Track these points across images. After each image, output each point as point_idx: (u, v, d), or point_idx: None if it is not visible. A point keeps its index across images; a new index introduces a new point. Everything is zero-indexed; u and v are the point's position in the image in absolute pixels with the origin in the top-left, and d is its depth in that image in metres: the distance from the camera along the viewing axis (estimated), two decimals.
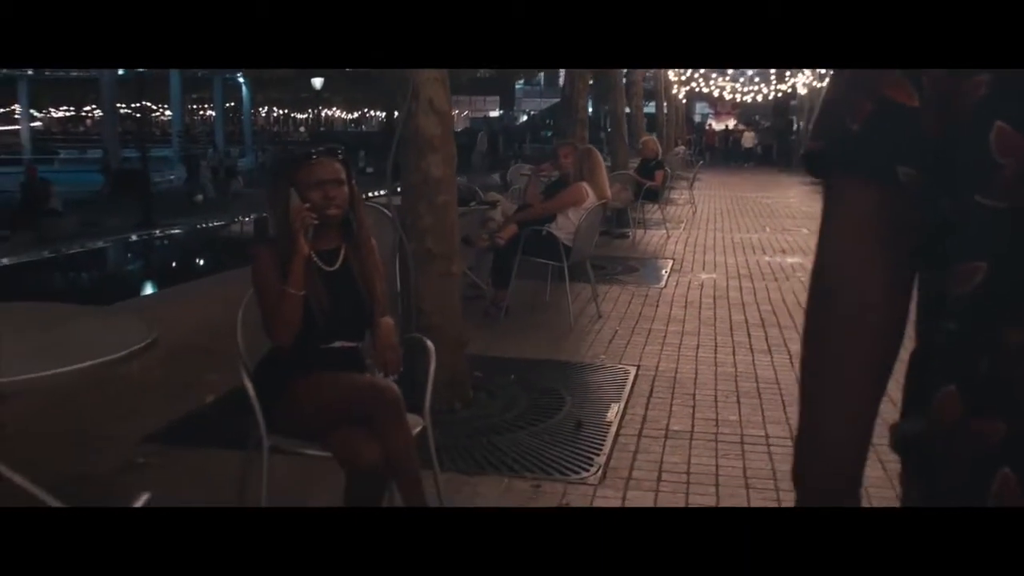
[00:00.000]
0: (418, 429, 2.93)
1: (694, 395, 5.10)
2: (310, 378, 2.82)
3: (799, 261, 10.40)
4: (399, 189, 4.74)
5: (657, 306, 7.61)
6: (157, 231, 19.36)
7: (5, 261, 14.62)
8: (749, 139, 39.29)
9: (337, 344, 2.94)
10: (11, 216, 18.64)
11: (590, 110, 14.80)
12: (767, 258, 10.62)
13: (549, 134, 54.27)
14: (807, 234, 13.11)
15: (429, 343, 3.19)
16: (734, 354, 6.07)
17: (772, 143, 38.38)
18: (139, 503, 1.90)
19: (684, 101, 35.81)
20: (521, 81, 53.69)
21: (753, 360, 5.93)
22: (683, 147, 27.53)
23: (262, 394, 2.83)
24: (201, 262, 17.53)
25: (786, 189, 23.75)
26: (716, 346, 6.27)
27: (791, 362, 5.87)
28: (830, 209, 1.09)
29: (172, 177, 31.10)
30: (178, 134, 37.22)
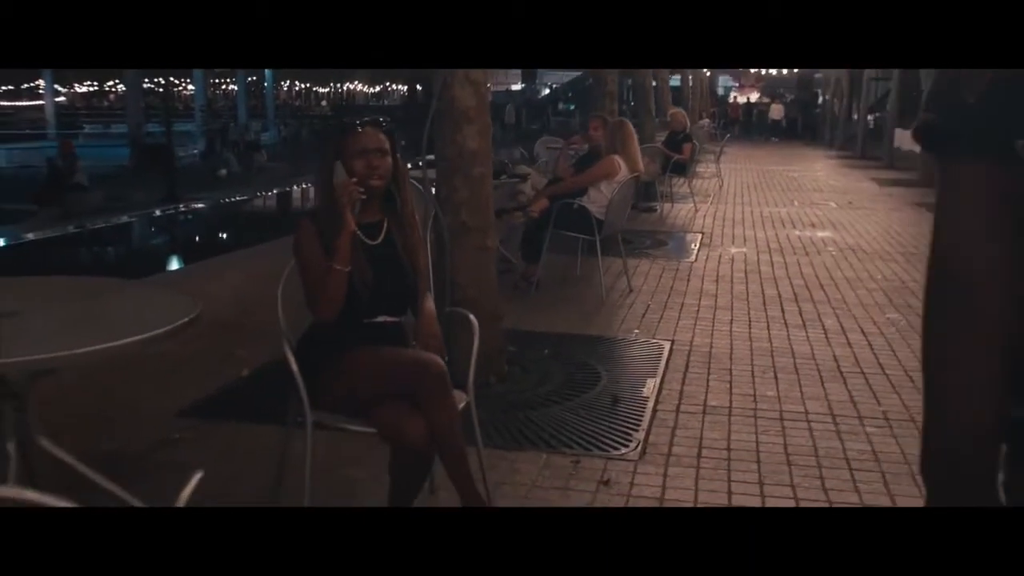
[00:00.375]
0: (462, 405, 2.89)
1: (730, 370, 5.04)
2: (353, 353, 2.79)
3: (829, 235, 10.29)
4: (433, 162, 4.68)
5: (688, 280, 7.55)
6: (181, 206, 19.35)
7: (31, 236, 14.65)
8: (777, 111, 37.95)
9: (380, 319, 2.90)
10: (38, 191, 18.67)
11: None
12: (797, 232, 10.50)
13: (571, 107, 54.17)
14: (835, 208, 12.98)
15: (471, 317, 3.14)
16: (768, 329, 6.00)
17: (797, 116, 37.99)
18: (193, 481, 1.85)
19: (708, 74, 35.48)
20: None
21: (788, 335, 5.86)
22: (708, 120, 27.32)
23: (305, 369, 2.79)
24: (225, 236, 17.57)
25: (812, 162, 23.56)
26: (750, 321, 6.20)
27: (827, 338, 5.80)
28: (947, 185, 1.04)
29: (196, 152, 31.16)
30: (200, 108, 37.25)
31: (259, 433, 3.81)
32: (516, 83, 59.42)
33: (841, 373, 5.04)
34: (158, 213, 18.53)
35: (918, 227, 11.09)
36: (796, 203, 13.55)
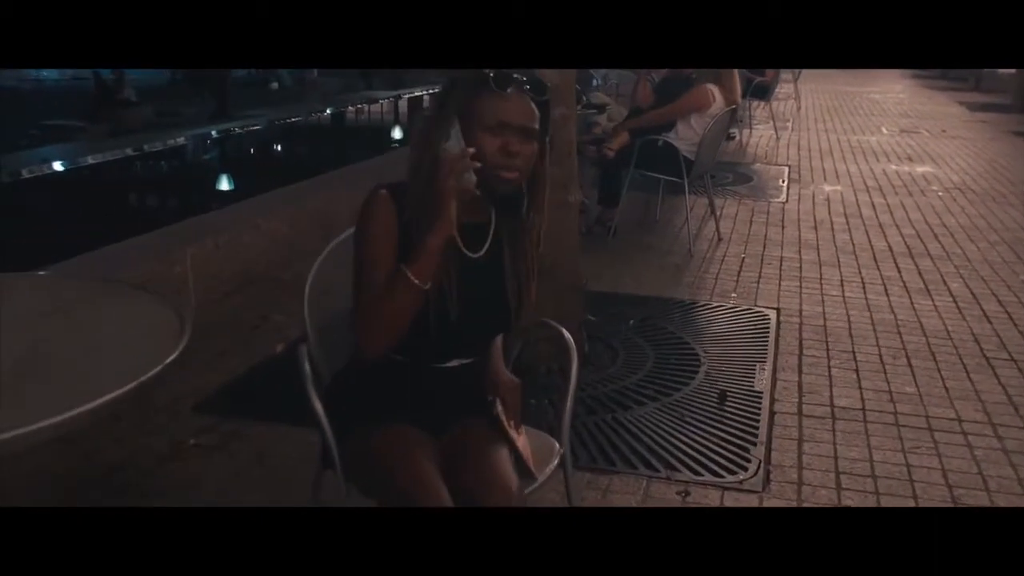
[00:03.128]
0: (553, 464, 2.13)
1: (853, 353, 4.22)
2: (394, 434, 1.96)
3: (930, 171, 9.28)
4: None
5: (783, 227, 6.67)
6: (234, 126, 18.47)
7: (90, 160, 13.94)
8: None
9: (454, 363, 2.06)
10: (88, 107, 18.05)
11: None
12: (894, 167, 9.50)
13: None
14: (929, 137, 11.90)
15: (569, 338, 2.31)
16: (888, 294, 5.15)
17: None
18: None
19: None
20: None
21: (912, 304, 5.00)
22: None
23: (335, 427, 2.03)
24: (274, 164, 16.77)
25: (892, 83, 22.18)
26: (863, 283, 5.34)
27: (958, 308, 4.94)
28: None
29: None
30: None
31: (295, 439, 3.10)
32: None
33: (988, 360, 4.20)
34: (214, 134, 17.67)
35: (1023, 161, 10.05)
36: (885, 130, 12.46)
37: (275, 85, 25.08)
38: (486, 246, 2.01)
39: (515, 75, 1.89)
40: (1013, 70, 17.12)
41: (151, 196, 13.26)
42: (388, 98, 21.48)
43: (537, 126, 1.92)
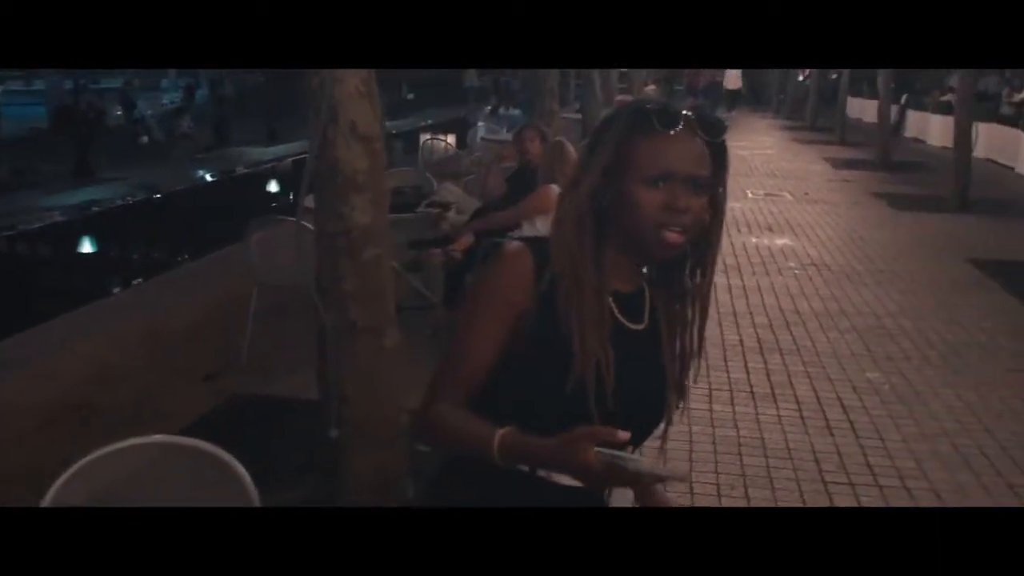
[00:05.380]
0: None
1: (691, 486, 4.08)
2: None
3: (789, 243, 9.38)
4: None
5: None
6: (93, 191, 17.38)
7: None
8: (734, 79, 30.09)
9: None
10: None
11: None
12: (754, 239, 9.57)
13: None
14: (791, 201, 12.12)
15: None
16: (732, 404, 5.05)
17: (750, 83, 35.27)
18: None
19: None
20: None
21: (756, 414, 4.92)
22: (653, 86, 26.22)
23: None
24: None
25: (761, 135, 22.76)
26: (710, 391, 5.23)
27: (802, 418, 4.87)
28: None
29: (118, 112, 29.23)
30: None
31: None
32: None
33: (825, 485, 4.11)
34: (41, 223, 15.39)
35: (882, 230, 10.26)
36: (750, 194, 12.63)
37: (145, 139, 24.38)
38: (646, 317, 1.67)
39: (683, 112, 1.56)
40: (875, 121, 17.68)
41: None
42: (268, 162, 20.92)
43: (709, 174, 1.58)
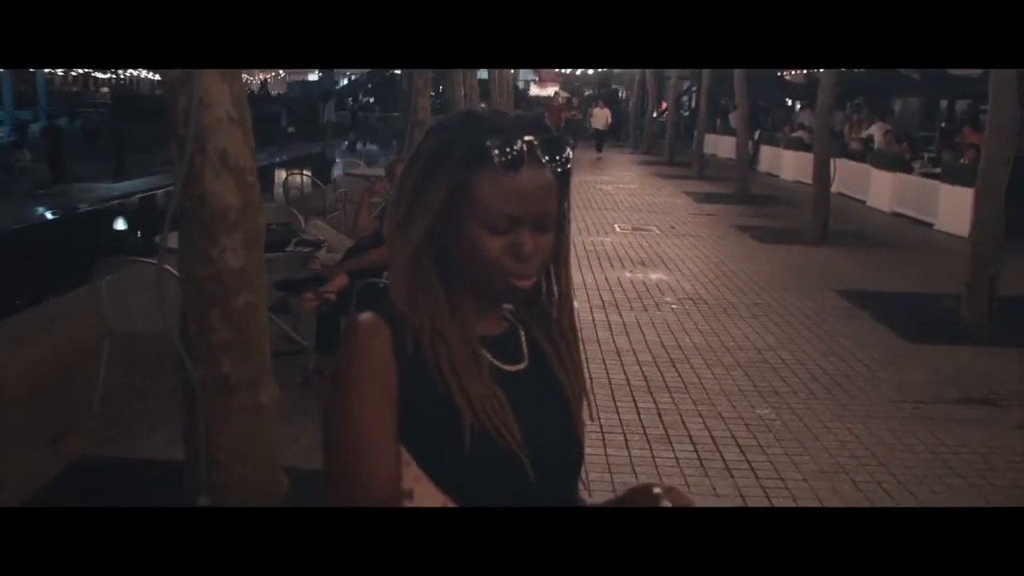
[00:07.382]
0: None
1: None
2: None
3: (664, 278, 9.31)
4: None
5: None
6: None
7: None
8: (601, 118, 28.40)
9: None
10: None
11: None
12: (628, 273, 9.47)
13: (371, 100, 52.50)
14: (659, 235, 12.14)
15: None
16: (627, 448, 4.83)
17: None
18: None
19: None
20: None
21: (653, 458, 4.71)
22: None
23: None
24: None
25: (622, 170, 23.01)
26: (603, 432, 4.99)
27: (699, 460, 4.68)
28: None
29: None
30: None
31: None
32: (312, 72, 56.76)
33: None
34: None
35: (750, 263, 10.32)
36: (618, 228, 12.62)
37: None
38: (526, 358, 1.46)
39: (526, 140, 1.32)
40: (729, 156, 18.07)
41: None
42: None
43: (554, 207, 1.37)
